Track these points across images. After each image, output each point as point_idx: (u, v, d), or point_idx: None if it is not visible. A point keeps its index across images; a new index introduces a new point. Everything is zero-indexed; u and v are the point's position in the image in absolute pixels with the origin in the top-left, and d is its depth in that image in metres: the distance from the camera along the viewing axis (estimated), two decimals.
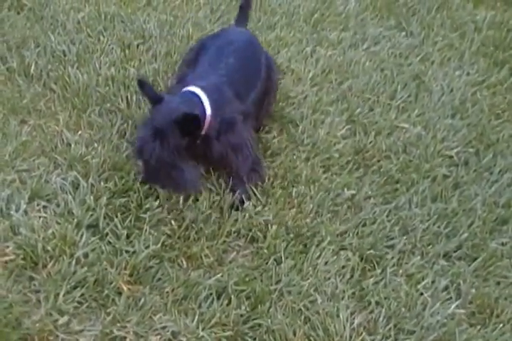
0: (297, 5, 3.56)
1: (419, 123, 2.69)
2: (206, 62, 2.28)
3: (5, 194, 2.04)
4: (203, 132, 2.04)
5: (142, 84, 2.01)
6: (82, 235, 1.94)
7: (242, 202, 2.14)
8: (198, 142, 2.04)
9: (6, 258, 1.86)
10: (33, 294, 1.79)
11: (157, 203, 2.09)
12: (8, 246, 1.89)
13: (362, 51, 3.21)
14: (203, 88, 2.09)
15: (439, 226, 2.15)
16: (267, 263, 1.97)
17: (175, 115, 1.92)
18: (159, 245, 1.95)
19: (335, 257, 1.97)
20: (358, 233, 2.08)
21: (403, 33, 3.41)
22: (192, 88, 2.09)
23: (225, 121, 2.10)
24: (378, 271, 1.97)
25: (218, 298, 1.84)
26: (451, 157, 2.53)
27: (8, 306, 1.72)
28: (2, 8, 3.16)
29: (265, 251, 2.00)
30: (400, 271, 1.98)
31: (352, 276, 1.96)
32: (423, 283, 1.94)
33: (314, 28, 3.37)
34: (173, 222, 2.05)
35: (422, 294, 1.91)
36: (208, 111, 2.04)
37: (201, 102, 2.05)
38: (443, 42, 3.38)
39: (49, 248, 1.88)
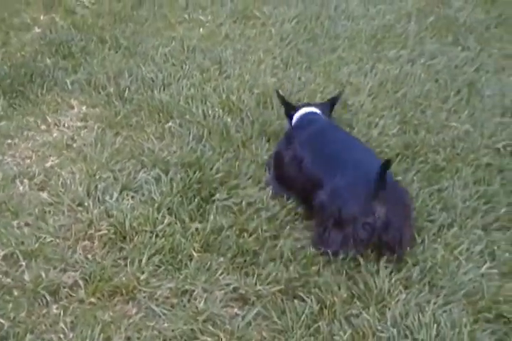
0: (360, 29, 3.89)
1: (469, 122, 2.90)
2: None
3: (101, 186, 2.47)
4: None
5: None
6: (161, 215, 2.31)
7: None
8: None
9: (101, 232, 2.26)
10: (121, 260, 2.16)
11: (225, 193, 2.44)
12: (102, 225, 2.29)
13: (419, 65, 3.47)
14: None
15: (478, 204, 2.35)
16: None
17: None
18: (224, 222, 2.29)
19: None
20: None
21: (459, 48, 3.64)
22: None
23: None
24: (418, 240, 2.19)
25: (274, 261, 2.13)
26: (497, 149, 2.71)
27: (102, 268, 2.11)
28: (104, 49, 3.73)
29: None
30: (439, 240, 2.19)
31: None
32: (459, 249, 2.14)
33: (374, 48, 3.68)
34: (235, 207, 2.38)
35: (457, 258, 2.11)
36: None
37: None
38: (499, 53, 3.59)
39: (135, 225, 2.26)
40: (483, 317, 1.94)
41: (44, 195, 2.47)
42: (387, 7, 4.22)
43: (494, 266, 2.10)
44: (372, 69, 3.42)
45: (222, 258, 2.16)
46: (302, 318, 1.93)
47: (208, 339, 1.89)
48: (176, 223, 2.29)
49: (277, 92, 2.72)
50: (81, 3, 4.24)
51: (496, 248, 2.17)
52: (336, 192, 2.12)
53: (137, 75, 3.35)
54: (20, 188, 2.51)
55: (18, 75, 3.30)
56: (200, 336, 1.90)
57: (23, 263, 2.14)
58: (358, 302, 1.98)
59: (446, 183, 2.47)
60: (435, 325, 1.88)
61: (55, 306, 2.00)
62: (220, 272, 2.11)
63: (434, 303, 1.97)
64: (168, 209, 2.36)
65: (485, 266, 2.08)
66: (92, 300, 2.01)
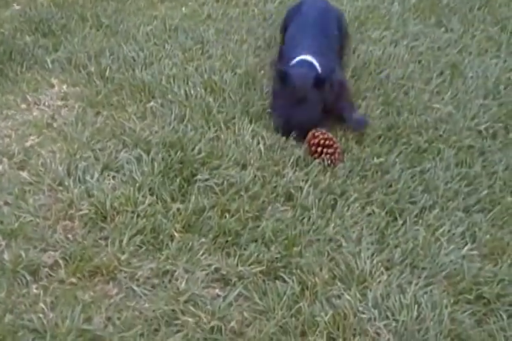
0: (343, 10, 3.85)
1: (451, 103, 2.90)
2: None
3: (81, 165, 2.44)
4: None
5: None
6: (142, 195, 2.29)
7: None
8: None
9: (82, 212, 2.24)
10: (102, 240, 2.15)
11: (207, 173, 2.42)
12: (83, 204, 2.27)
13: (402, 46, 3.45)
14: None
15: (460, 186, 2.37)
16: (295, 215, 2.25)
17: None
18: (206, 202, 2.27)
19: (359, 209, 2.23)
20: (383, 191, 2.33)
21: (443, 29, 3.63)
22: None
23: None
24: (400, 221, 2.20)
25: (256, 242, 2.13)
26: (479, 131, 2.72)
27: (82, 248, 2.09)
28: (85, 27, 3.67)
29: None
30: (420, 221, 2.21)
31: (377, 228, 2.20)
32: (440, 230, 2.16)
33: (358, 28, 3.65)
34: (216, 188, 2.36)
35: (439, 239, 2.13)
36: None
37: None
38: (482, 35, 3.57)
39: (116, 205, 2.24)
40: (463, 298, 1.97)
41: (24, 174, 2.43)
42: None
43: (475, 248, 2.12)
44: (355, 50, 3.40)
45: (203, 239, 2.15)
46: (283, 299, 1.93)
47: (189, 319, 1.89)
48: (158, 203, 2.27)
49: None
50: None
51: (477, 230, 2.19)
52: None
53: (119, 54, 3.30)
54: (0, 167, 2.48)
55: None
56: (181, 316, 1.89)
57: (3, 243, 2.11)
58: (339, 284, 1.99)
59: (428, 165, 2.49)
60: (416, 306, 1.90)
61: (34, 286, 1.98)
62: (201, 253, 2.10)
63: (415, 284, 1.99)
64: (150, 189, 2.34)
65: (466, 248, 2.11)
66: (73, 280, 2.00)
